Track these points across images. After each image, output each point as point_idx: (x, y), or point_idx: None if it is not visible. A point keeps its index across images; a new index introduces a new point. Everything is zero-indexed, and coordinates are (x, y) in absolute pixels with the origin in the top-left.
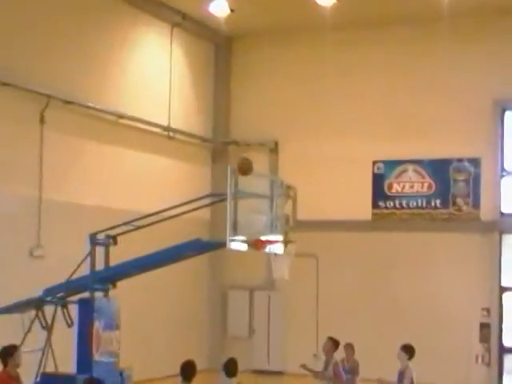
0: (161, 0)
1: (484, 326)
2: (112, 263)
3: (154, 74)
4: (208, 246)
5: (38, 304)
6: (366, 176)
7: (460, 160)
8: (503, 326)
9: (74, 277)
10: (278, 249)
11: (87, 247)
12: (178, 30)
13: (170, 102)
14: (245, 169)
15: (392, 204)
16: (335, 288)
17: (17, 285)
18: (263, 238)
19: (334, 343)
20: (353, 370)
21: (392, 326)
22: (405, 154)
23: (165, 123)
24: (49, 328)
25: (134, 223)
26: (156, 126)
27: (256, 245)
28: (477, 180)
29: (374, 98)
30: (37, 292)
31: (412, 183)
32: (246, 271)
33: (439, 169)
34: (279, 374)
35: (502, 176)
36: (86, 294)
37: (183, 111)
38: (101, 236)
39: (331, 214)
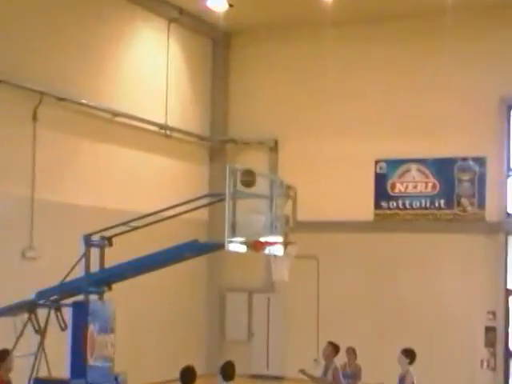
0: None
1: (489, 330)
2: (107, 265)
3: (150, 71)
4: (206, 248)
5: (30, 307)
6: (368, 176)
7: (465, 159)
8: (509, 330)
9: (68, 279)
10: (278, 250)
11: (81, 248)
12: (175, 25)
13: (166, 99)
14: (248, 181)
15: (395, 204)
16: (336, 290)
17: (9, 287)
18: (262, 239)
19: (334, 348)
20: (355, 375)
21: (395, 329)
22: (408, 153)
23: (161, 121)
24: (42, 332)
25: (129, 224)
26: (152, 123)
27: (255, 246)
28: (482, 180)
29: (376, 95)
30: (29, 295)
31: (415, 183)
32: (244, 273)
33: (443, 168)
34: (278, 379)
35: (508, 175)
36: (80, 297)
37: (180, 109)
38: (95, 237)
39: (332, 215)
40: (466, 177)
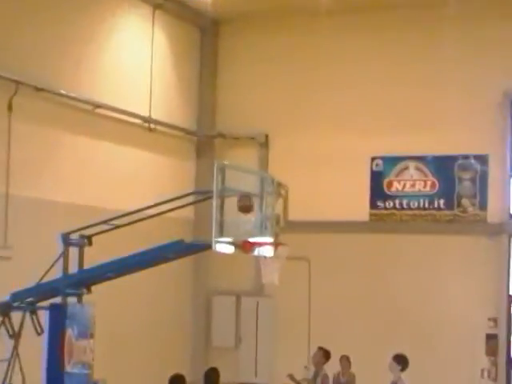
0: None
1: (490, 338)
2: (86, 265)
3: (133, 60)
4: (192, 248)
5: (4, 310)
6: (364, 173)
7: (466, 157)
8: None
9: (45, 280)
10: (268, 251)
11: (59, 248)
12: (160, 12)
13: (150, 90)
14: (245, 207)
15: (392, 204)
16: (329, 294)
17: None
18: (252, 239)
19: (325, 354)
20: None
21: (390, 335)
22: (406, 149)
23: (145, 114)
24: (16, 336)
25: (110, 222)
26: (136, 116)
27: (244, 247)
28: (484, 179)
29: (373, 89)
30: (3, 297)
31: (413, 182)
32: (232, 275)
33: (443, 166)
34: None
35: None
36: (57, 299)
37: (165, 101)
38: (74, 236)
39: (325, 215)
40: (466, 175)
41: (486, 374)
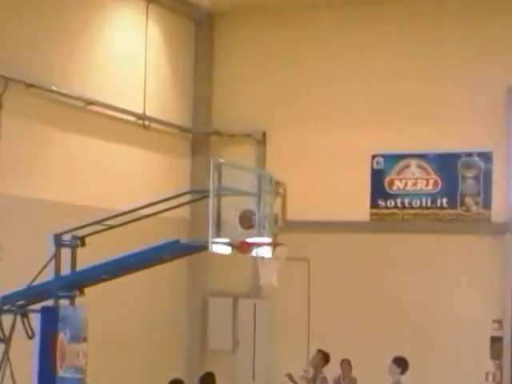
0: None
1: (495, 340)
2: (79, 267)
3: (127, 55)
4: (187, 249)
5: None
6: (364, 171)
7: (469, 154)
8: None
9: (36, 282)
10: (266, 252)
11: (51, 249)
12: (154, 5)
13: (145, 87)
14: (247, 223)
15: (393, 203)
16: (329, 296)
17: None
18: (249, 239)
19: (324, 356)
20: None
21: (392, 338)
22: (408, 146)
23: (139, 110)
24: (7, 340)
25: (104, 222)
26: (129, 113)
27: (241, 247)
28: (488, 177)
29: (374, 83)
30: None
31: (415, 180)
32: (229, 277)
33: (446, 164)
34: None
35: None
36: (49, 302)
37: (160, 97)
38: (67, 236)
39: (324, 214)
40: (470, 173)
41: (490, 377)
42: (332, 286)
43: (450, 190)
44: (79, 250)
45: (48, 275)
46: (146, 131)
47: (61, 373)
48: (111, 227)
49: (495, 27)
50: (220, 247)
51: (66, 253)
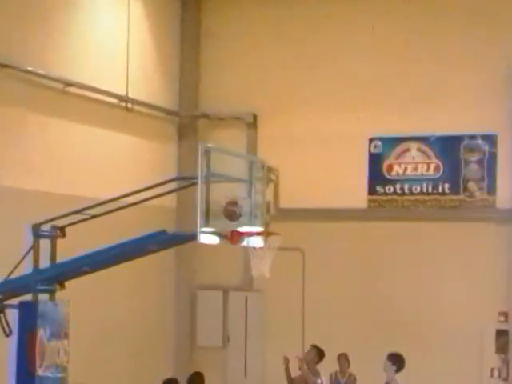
0: None
1: (501, 334)
2: (59, 259)
3: (108, 34)
4: (174, 239)
5: None
6: (361, 156)
7: (473, 137)
8: None
9: (14, 276)
10: (258, 242)
11: (29, 240)
12: None
13: (127, 67)
14: (231, 212)
15: (392, 189)
16: (324, 288)
17: None
18: (240, 229)
19: (319, 352)
20: None
21: (391, 332)
22: (407, 129)
23: (122, 92)
24: None
25: (85, 212)
26: (111, 95)
27: (231, 237)
28: (492, 160)
29: (371, 63)
30: None
31: (416, 164)
32: (218, 269)
33: (448, 147)
34: None
35: None
36: (27, 297)
37: (144, 79)
38: (46, 227)
39: (319, 202)
40: (473, 157)
41: (496, 373)
42: (328, 277)
43: (452, 174)
44: (59, 242)
45: (26, 268)
46: (130, 114)
47: (40, 372)
48: (93, 217)
49: (500, 6)
50: (209, 237)
51: (45, 244)
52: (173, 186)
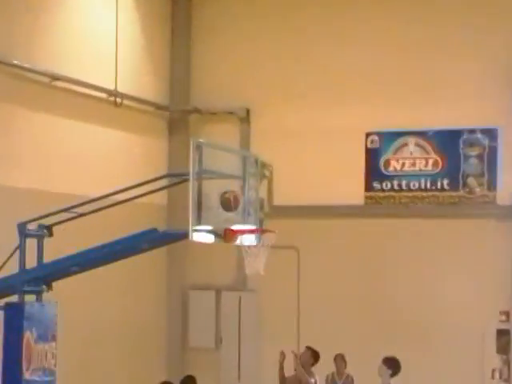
0: None
1: (502, 334)
2: (47, 259)
3: (97, 27)
4: (165, 238)
5: None
6: (358, 151)
7: (472, 131)
8: None
9: None
10: (252, 240)
11: (16, 240)
12: None
13: (116, 60)
14: (227, 202)
15: (389, 185)
16: (320, 287)
17: None
18: (233, 227)
19: (313, 354)
20: None
21: (388, 332)
22: (405, 123)
23: (110, 86)
24: None
25: (73, 210)
26: (99, 89)
27: (225, 236)
28: (493, 155)
29: (368, 55)
30: None
31: (414, 160)
32: (211, 268)
33: (447, 142)
34: None
35: None
36: (14, 298)
37: (133, 72)
38: (33, 225)
39: (315, 198)
40: (473, 152)
41: (497, 374)
42: (323, 276)
43: (452, 170)
44: (47, 241)
45: (12, 268)
46: (118, 109)
47: (27, 375)
48: (81, 215)
49: None
50: (201, 235)
51: (32, 244)
52: (163, 182)
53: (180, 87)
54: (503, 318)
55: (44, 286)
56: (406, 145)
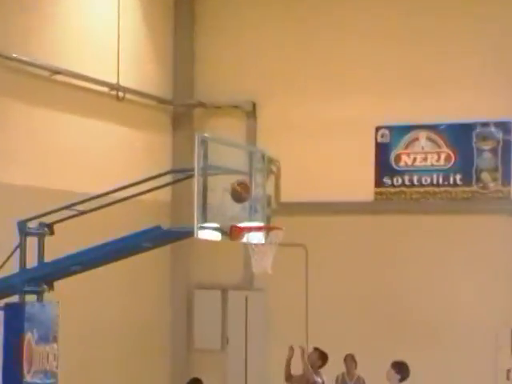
0: None
1: None
2: (48, 258)
3: (98, 19)
4: (170, 236)
5: None
6: (368, 146)
7: (486, 124)
8: None
9: None
10: (259, 238)
11: (15, 238)
12: None
13: (118, 53)
14: (238, 194)
15: (400, 181)
16: (329, 285)
17: None
18: (240, 224)
19: (321, 355)
20: None
21: (400, 332)
22: (416, 117)
23: (113, 80)
24: None
25: (75, 207)
26: (101, 83)
27: (231, 233)
28: (507, 149)
29: (378, 45)
30: None
31: (425, 154)
32: (217, 266)
33: (459, 136)
34: None
35: None
36: (14, 298)
37: (136, 66)
38: (33, 224)
39: (323, 195)
40: (487, 146)
41: None
42: (332, 274)
43: (465, 164)
44: (47, 239)
45: (12, 268)
46: (121, 103)
47: (28, 378)
48: (83, 213)
49: None
50: (207, 233)
51: (32, 242)
52: (167, 179)
53: (184, 80)
54: None
55: (45, 286)
56: (417, 139)
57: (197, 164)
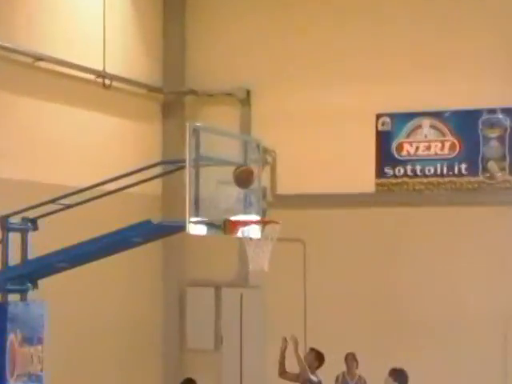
0: None
1: None
2: (34, 255)
3: (83, 3)
4: (161, 230)
5: None
6: (368, 134)
7: (492, 111)
8: None
9: None
10: (255, 232)
11: None
12: None
13: (104, 38)
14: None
15: (402, 171)
16: (327, 282)
17: None
18: (234, 218)
19: (317, 356)
20: None
21: (402, 330)
22: (419, 103)
23: (98, 67)
24: None
25: (60, 201)
26: (86, 70)
27: (225, 227)
28: None
29: (376, 29)
30: None
31: (429, 143)
32: (210, 263)
33: (465, 123)
34: None
35: None
36: None
37: (123, 51)
38: (16, 218)
39: (321, 186)
40: (494, 134)
41: None
42: (331, 270)
43: (470, 153)
44: (32, 235)
45: None
46: (108, 91)
47: (11, 382)
48: (68, 206)
49: None
50: (199, 228)
51: (15, 239)
52: (157, 170)
53: (174, 67)
54: None
55: (29, 284)
56: (420, 127)
57: (188, 155)
